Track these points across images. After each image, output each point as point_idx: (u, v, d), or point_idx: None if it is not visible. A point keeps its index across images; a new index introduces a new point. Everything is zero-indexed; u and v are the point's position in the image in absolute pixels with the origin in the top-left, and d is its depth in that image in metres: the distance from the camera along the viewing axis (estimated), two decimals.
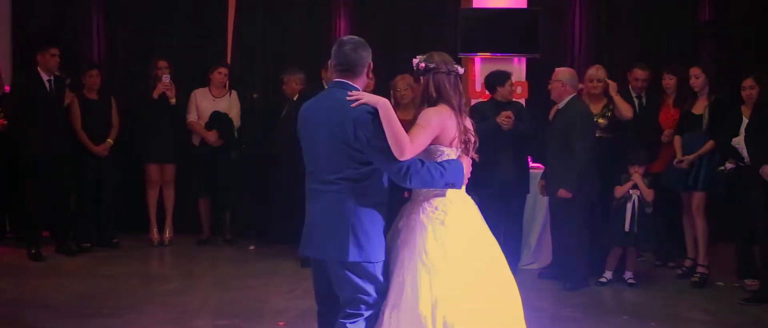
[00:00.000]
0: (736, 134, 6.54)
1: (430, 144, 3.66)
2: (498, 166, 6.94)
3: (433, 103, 3.71)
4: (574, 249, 6.72)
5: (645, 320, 5.84)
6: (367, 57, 3.67)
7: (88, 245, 7.94)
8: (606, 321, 5.83)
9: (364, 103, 3.52)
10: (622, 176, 6.86)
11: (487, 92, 7.80)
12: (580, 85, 7.07)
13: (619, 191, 6.78)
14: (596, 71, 7.11)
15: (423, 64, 3.70)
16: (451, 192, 3.73)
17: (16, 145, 7.69)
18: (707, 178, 6.89)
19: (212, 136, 8.15)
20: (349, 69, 3.66)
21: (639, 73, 7.52)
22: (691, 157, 6.91)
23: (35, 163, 7.53)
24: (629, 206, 6.76)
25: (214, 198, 8.46)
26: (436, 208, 3.71)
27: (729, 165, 6.68)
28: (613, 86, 7.05)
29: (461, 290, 3.60)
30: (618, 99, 7.02)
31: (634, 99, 7.49)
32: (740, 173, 6.60)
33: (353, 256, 3.59)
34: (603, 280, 6.90)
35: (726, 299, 6.48)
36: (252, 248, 8.24)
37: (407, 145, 3.49)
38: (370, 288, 3.64)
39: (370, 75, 3.71)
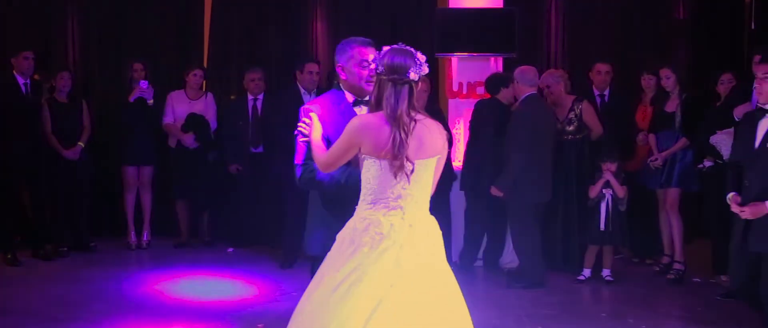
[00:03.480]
0: (713, 132, 6.59)
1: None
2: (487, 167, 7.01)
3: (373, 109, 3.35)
4: (523, 249, 6.75)
5: (623, 317, 5.88)
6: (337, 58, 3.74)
7: (65, 249, 7.87)
8: (584, 319, 5.86)
9: None
10: (595, 174, 6.90)
11: (464, 92, 7.90)
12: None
13: (592, 190, 6.82)
14: (544, 80, 7.18)
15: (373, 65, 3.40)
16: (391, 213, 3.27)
17: None
18: (681, 175, 6.97)
19: (189, 139, 8.12)
20: None
21: (601, 66, 7.58)
22: (663, 154, 6.97)
23: (10, 166, 7.45)
24: (603, 205, 6.80)
25: (191, 201, 8.42)
26: (367, 226, 3.27)
27: (707, 163, 6.74)
28: None
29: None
30: (588, 118, 7.07)
31: (597, 97, 7.55)
32: (718, 171, 6.65)
33: None
34: (581, 278, 6.94)
35: (702, 294, 6.54)
36: (230, 250, 8.21)
37: (319, 158, 3.47)
38: None
39: (341, 75, 3.73)
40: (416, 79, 3.26)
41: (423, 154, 3.28)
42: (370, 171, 3.29)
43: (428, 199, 3.38)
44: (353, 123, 3.33)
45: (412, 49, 3.30)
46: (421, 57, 3.29)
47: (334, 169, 3.44)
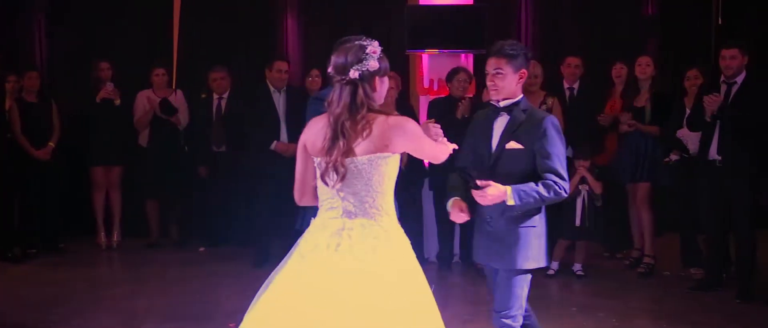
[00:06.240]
0: (680, 126, 6.66)
1: None
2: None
3: None
4: None
5: (593, 311, 5.92)
6: None
7: (34, 251, 7.80)
8: (555, 313, 5.87)
9: None
10: (569, 170, 6.91)
11: (435, 88, 7.91)
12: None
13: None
14: (533, 67, 7.20)
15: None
16: None
17: None
18: (652, 169, 7.02)
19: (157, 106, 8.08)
20: None
21: (572, 60, 7.61)
22: (639, 125, 6.99)
23: None
24: (579, 200, 6.83)
25: (162, 200, 8.36)
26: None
27: (674, 156, 6.81)
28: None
29: None
30: (556, 115, 7.07)
31: (566, 90, 7.59)
32: (685, 164, 6.72)
33: None
34: (550, 272, 6.97)
35: (672, 288, 6.60)
36: (202, 249, 8.16)
37: None
38: None
39: None
40: (356, 77, 3.07)
41: (367, 151, 3.08)
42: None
43: (377, 199, 3.12)
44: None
45: (362, 43, 3.12)
46: (373, 50, 3.11)
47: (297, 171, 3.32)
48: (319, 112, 3.26)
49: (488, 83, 3.82)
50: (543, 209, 3.84)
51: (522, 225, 3.80)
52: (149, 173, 8.21)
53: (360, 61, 3.08)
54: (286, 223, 7.58)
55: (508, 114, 3.81)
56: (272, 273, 3.23)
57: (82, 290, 6.64)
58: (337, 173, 3.07)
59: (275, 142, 7.30)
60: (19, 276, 7.13)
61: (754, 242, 6.20)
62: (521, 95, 3.84)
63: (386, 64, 3.18)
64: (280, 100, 7.41)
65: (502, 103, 3.83)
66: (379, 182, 3.12)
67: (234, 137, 7.89)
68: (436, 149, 3.30)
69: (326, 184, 3.13)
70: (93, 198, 8.26)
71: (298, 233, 3.45)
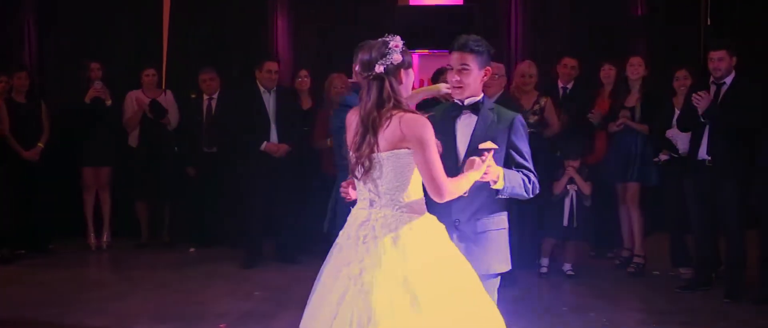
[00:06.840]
0: (669, 126, 6.69)
1: None
2: None
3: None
4: None
5: (584, 310, 5.93)
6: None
7: (23, 251, 7.76)
8: (545, 313, 5.90)
9: None
10: (558, 170, 6.93)
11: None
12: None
13: (557, 186, 6.82)
14: (528, 67, 7.21)
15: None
16: None
17: None
18: (641, 169, 7.04)
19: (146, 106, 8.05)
20: None
21: (569, 61, 7.63)
22: (629, 122, 7.01)
23: None
24: (567, 201, 6.83)
25: (152, 201, 8.34)
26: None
27: (663, 156, 6.83)
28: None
29: None
30: (549, 114, 7.10)
31: (560, 90, 7.61)
32: (674, 164, 6.74)
33: None
34: (543, 270, 6.98)
35: (662, 287, 6.62)
36: (192, 250, 8.14)
37: None
38: None
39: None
40: (381, 71, 3.15)
41: (387, 147, 3.16)
42: None
43: (399, 191, 3.19)
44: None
45: (385, 39, 3.22)
46: (395, 45, 3.19)
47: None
48: (343, 121, 3.38)
49: (452, 79, 3.59)
50: (507, 211, 3.72)
51: (493, 228, 3.64)
52: (139, 173, 8.19)
53: (384, 55, 3.17)
54: (278, 224, 7.61)
55: (475, 113, 3.60)
56: (323, 265, 3.33)
57: (71, 290, 6.61)
58: (362, 167, 3.19)
59: (265, 142, 7.29)
60: (8, 277, 7.09)
61: (743, 242, 6.23)
62: (482, 94, 3.65)
63: (409, 57, 3.28)
64: (270, 101, 7.40)
65: (467, 102, 3.61)
66: (401, 174, 3.20)
67: (224, 138, 7.88)
68: (441, 177, 3.16)
69: (356, 177, 3.26)
70: (83, 199, 8.23)
71: (327, 234, 3.49)
